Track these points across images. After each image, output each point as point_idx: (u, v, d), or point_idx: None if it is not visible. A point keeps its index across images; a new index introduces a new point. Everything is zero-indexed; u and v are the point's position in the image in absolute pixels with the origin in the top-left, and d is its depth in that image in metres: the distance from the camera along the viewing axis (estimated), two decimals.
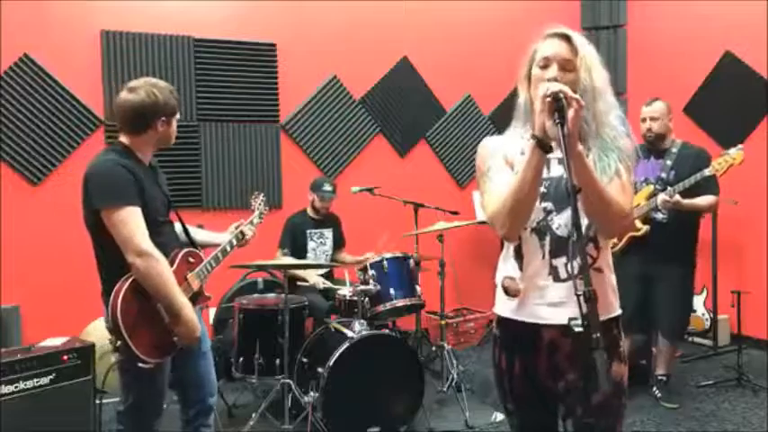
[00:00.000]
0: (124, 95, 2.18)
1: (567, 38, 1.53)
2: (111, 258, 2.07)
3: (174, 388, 2.40)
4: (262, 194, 2.87)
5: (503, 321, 1.64)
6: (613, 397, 1.53)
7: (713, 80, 4.92)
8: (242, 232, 2.58)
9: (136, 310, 2.05)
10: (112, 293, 2.02)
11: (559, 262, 1.54)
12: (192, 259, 2.30)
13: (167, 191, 2.34)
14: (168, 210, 2.31)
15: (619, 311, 1.61)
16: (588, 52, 1.53)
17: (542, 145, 1.40)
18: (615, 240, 3.51)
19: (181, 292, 2.11)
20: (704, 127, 4.94)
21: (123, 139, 2.21)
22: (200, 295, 2.32)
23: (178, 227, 2.42)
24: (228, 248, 2.48)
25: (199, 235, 2.56)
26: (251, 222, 2.67)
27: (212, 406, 2.48)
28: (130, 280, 2.05)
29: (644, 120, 3.51)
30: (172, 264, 2.17)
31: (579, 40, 1.54)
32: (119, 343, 2.03)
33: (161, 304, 2.09)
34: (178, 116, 2.28)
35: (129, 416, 2.22)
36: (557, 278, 1.54)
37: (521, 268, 1.58)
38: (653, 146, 3.52)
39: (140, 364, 2.06)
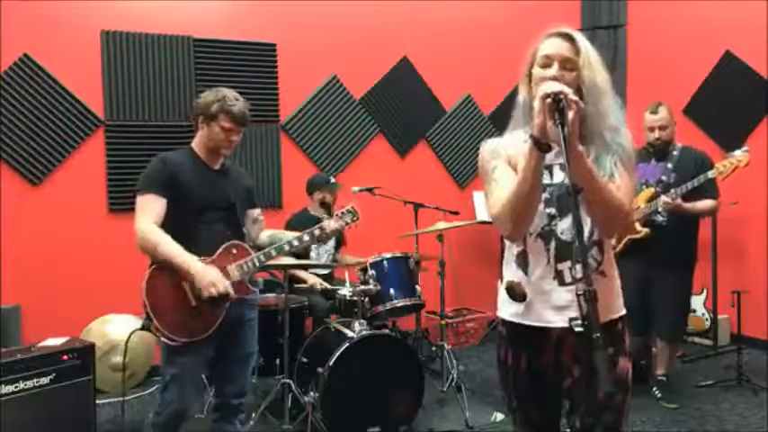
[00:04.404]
0: None
1: (569, 37, 1.53)
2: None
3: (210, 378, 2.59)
4: (351, 205, 2.82)
5: (508, 324, 1.65)
6: (618, 392, 1.54)
7: (713, 80, 4.92)
8: (318, 230, 2.62)
9: (162, 289, 2.27)
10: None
11: (564, 266, 1.55)
12: (235, 251, 2.43)
13: (236, 196, 2.51)
14: (226, 210, 2.46)
15: (623, 311, 1.62)
16: (591, 52, 1.53)
17: (540, 145, 1.40)
18: (614, 243, 3.51)
19: (183, 253, 2.24)
20: (704, 127, 4.94)
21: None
22: (241, 288, 2.42)
23: (267, 233, 2.68)
24: (286, 247, 2.54)
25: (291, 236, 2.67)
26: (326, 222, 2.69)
27: (237, 406, 2.56)
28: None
29: (652, 129, 3.46)
30: (213, 254, 2.36)
31: (582, 40, 1.54)
32: (147, 317, 2.26)
33: (173, 266, 2.24)
34: (225, 124, 2.41)
35: (161, 392, 2.39)
36: (561, 282, 1.55)
37: (526, 273, 1.59)
38: (658, 151, 3.50)
39: (165, 340, 2.26)
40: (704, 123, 4.95)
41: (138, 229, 2.27)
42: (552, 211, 1.55)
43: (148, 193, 2.31)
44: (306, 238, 2.58)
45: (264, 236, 2.66)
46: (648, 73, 5.29)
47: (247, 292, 2.46)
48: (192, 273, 2.24)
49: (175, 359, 2.33)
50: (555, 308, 1.54)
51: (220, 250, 2.38)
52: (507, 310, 1.65)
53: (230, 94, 2.46)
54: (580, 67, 1.50)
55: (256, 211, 2.64)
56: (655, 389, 3.65)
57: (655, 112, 3.47)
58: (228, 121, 2.41)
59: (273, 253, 2.50)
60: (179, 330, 2.27)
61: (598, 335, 1.22)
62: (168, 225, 2.30)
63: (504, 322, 1.67)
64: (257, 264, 2.44)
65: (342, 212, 2.76)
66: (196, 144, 2.48)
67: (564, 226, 1.54)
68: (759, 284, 4.51)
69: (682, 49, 5.09)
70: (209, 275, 2.25)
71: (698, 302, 4.74)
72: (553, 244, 1.55)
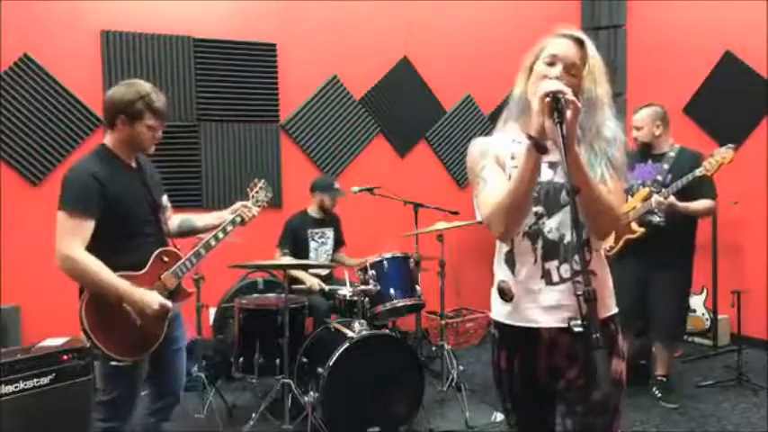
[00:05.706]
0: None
1: (580, 42, 1.53)
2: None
3: (146, 381, 2.41)
4: (262, 182, 2.71)
5: (500, 324, 1.64)
6: (612, 393, 1.53)
7: (713, 80, 4.92)
8: (239, 217, 2.52)
9: (102, 311, 2.13)
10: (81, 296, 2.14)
11: (551, 265, 1.54)
12: (166, 258, 2.31)
13: (156, 190, 2.35)
14: (153, 210, 2.32)
15: (615, 310, 1.61)
16: (598, 63, 1.52)
17: (539, 147, 1.40)
18: (612, 243, 3.51)
19: (112, 277, 2.10)
20: (704, 127, 4.94)
21: (105, 137, 2.27)
22: (179, 293, 2.33)
23: (177, 218, 2.53)
24: (213, 243, 2.44)
25: (203, 221, 2.58)
26: (245, 206, 2.58)
27: (178, 399, 2.50)
28: None
29: (632, 128, 3.57)
30: (144, 266, 2.23)
31: (592, 49, 1.53)
32: (90, 342, 2.13)
33: (105, 294, 2.11)
34: (151, 122, 2.22)
35: (107, 407, 2.28)
36: (549, 282, 1.54)
37: (513, 272, 1.58)
38: (639, 151, 3.55)
39: (113, 363, 2.16)
40: (704, 123, 4.95)
41: (70, 255, 2.08)
42: (539, 209, 1.55)
43: (80, 216, 2.10)
44: (229, 228, 2.47)
45: (174, 223, 2.50)
46: (648, 73, 5.29)
47: (186, 296, 2.37)
48: (126, 300, 2.13)
49: (119, 381, 2.23)
50: (543, 308, 1.54)
51: (151, 260, 2.25)
52: (498, 310, 1.64)
53: (150, 87, 2.23)
54: (583, 76, 1.50)
55: (164, 198, 2.43)
56: (655, 389, 3.65)
57: (636, 111, 3.58)
58: (155, 119, 2.22)
59: (203, 252, 2.39)
60: (127, 351, 2.17)
61: (598, 335, 1.22)
62: (107, 240, 2.13)
63: (495, 324, 1.66)
64: (189, 266, 2.34)
65: (256, 191, 2.65)
66: (113, 144, 2.23)
67: (551, 225, 1.54)
68: (759, 284, 4.51)
69: (682, 49, 5.08)
70: (145, 298, 2.14)
71: (698, 302, 4.74)
72: (540, 243, 1.54)
